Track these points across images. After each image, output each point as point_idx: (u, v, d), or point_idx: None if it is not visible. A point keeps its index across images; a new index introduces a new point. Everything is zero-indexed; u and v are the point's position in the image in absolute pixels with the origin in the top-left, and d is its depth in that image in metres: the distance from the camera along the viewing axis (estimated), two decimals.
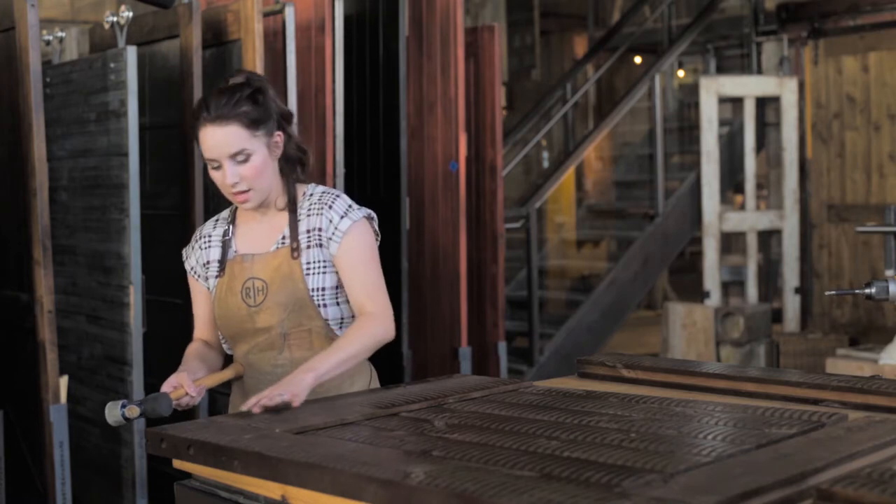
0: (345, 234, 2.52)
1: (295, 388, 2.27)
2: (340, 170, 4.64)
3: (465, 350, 4.99)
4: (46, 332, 3.62)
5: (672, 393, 2.33)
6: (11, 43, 3.80)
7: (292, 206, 2.56)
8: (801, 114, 7.69)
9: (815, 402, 2.17)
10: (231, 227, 2.63)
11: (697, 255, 8.54)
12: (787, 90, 7.58)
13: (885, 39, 7.48)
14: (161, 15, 4.13)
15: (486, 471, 1.66)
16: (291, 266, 2.51)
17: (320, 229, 2.53)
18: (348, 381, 2.59)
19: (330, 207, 2.53)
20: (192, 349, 2.64)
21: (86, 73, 4.05)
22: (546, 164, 10.81)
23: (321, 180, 4.53)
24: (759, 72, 7.99)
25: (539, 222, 7.40)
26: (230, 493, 1.99)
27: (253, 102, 2.47)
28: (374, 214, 2.62)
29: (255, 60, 3.94)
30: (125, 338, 3.82)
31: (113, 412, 2.34)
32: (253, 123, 2.46)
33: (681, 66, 9.33)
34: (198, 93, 3.87)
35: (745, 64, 8.18)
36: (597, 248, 9.00)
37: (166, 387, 2.38)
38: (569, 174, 8.07)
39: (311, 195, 2.57)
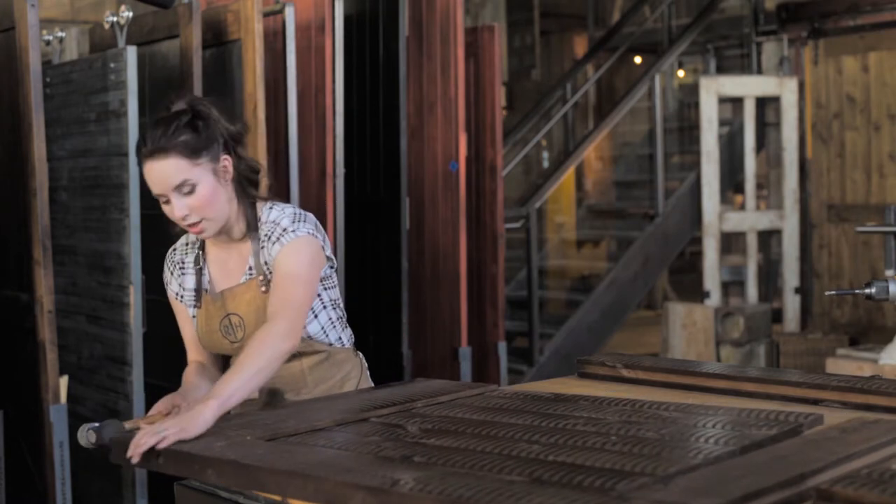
0: (276, 257, 2.42)
1: (187, 422, 2.08)
2: (340, 170, 4.64)
3: (465, 350, 4.99)
4: (46, 332, 3.62)
5: (672, 393, 2.33)
6: (11, 43, 3.80)
7: (253, 233, 2.47)
8: (801, 114, 7.69)
9: (816, 402, 2.17)
10: (201, 252, 2.57)
11: (697, 255, 8.54)
12: (787, 90, 7.58)
13: (885, 39, 7.47)
14: (161, 15, 4.12)
15: (475, 476, 1.64)
16: (263, 299, 2.45)
17: (266, 263, 2.47)
18: (340, 379, 2.57)
19: (268, 238, 2.44)
20: (190, 372, 2.57)
21: (86, 73, 4.04)
22: (546, 164, 10.81)
23: (321, 180, 4.53)
24: (759, 72, 7.99)
25: (539, 222, 7.39)
26: (230, 493, 1.98)
27: (192, 130, 2.38)
28: (313, 231, 2.46)
29: (255, 60, 3.94)
30: (125, 338, 3.82)
31: (82, 435, 2.26)
32: (193, 152, 2.37)
33: (681, 66, 9.33)
34: (198, 93, 3.87)
35: (745, 64, 8.17)
36: (597, 248, 9.00)
37: (161, 406, 2.34)
38: (569, 174, 8.07)
39: (265, 223, 2.47)
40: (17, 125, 3.78)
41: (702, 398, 2.26)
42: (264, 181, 2.58)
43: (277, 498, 1.86)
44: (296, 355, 2.51)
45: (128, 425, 2.26)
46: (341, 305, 2.63)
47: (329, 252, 2.53)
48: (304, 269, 2.41)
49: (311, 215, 2.51)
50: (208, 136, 2.40)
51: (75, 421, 4.04)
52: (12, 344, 3.92)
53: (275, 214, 2.47)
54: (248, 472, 1.83)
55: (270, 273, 2.45)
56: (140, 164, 2.42)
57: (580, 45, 11.96)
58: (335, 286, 2.60)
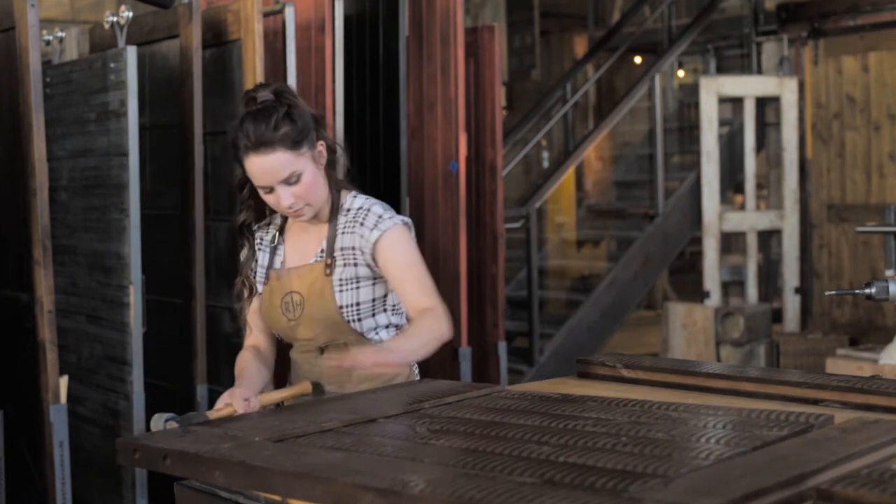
0: (379, 245, 2.51)
1: (357, 355, 2.35)
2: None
3: (465, 350, 4.99)
4: (46, 332, 3.62)
5: (672, 393, 2.33)
6: (11, 43, 3.80)
7: (333, 217, 2.57)
8: (801, 114, 7.69)
9: (815, 402, 2.17)
10: (279, 234, 2.65)
11: (697, 255, 8.54)
12: (787, 90, 7.58)
13: (885, 39, 7.48)
14: (161, 15, 4.12)
15: (486, 477, 1.64)
16: (324, 283, 2.52)
17: (353, 248, 2.53)
18: (389, 378, 2.58)
19: (361, 224, 2.53)
20: (244, 360, 2.59)
21: (86, 73, 4.04)
22: (546, 164, 10.81)
23: None
24: (759, 72, 7.99)
25: (539, 222, 7.39)
26: (230, 493, 1.97)
27: (291, 121, 2.45)
28: (409, 221, 2.59)
29: (255, 60, 3.94)
30: (125, 338, 3.81)
31: (157, 425, 2.30)
32: (296, 143, 2.45)
33: (681, 66, 9.33)
34: (198, 93, 3.87)
35: (745, 64, 8.18)
36: (597, 248, 9.00)
37: (219, 403, 2.36)
38: (569, 174, 8.07)
39: (349, 210, 2.57)
40: (17, 125, 3.78)
41: (702, 398, 2.26)
42: (343, 164, 2.68)
43: (278, 498, 1.85)
44: (346, 350, 2.55)
45: (211, 416, 2.30)
46: (399, 307, 2.66)
47: None
48: (417, 255, 2.55)
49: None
50: (304, 125, 2.48)
51: (75, 421, 4.05)
52: (12, 344, 3.92)
53: (361, 202, 2.58)
54: (256, 474, 1.82)
55: (354, 258, 2.53)
56: (239, 158, 2.47)
57: (580, 45, 11.96)
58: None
